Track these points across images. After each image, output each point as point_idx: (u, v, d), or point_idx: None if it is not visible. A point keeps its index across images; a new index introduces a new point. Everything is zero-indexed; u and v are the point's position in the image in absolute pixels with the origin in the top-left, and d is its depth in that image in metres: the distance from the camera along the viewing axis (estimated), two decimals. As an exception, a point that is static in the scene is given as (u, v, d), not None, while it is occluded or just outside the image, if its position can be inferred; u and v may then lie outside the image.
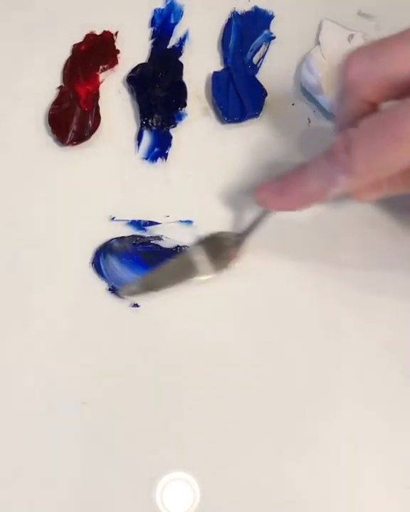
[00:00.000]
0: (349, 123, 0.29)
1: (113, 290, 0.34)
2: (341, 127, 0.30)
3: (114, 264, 0.35)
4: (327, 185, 0.29)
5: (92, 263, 0.35)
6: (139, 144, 0.38)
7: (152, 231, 0.36)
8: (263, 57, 0.40)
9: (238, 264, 0.35)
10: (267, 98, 0.38)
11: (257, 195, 0.33)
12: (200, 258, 0.35)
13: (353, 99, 0.29)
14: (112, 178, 0.37)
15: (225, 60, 0.40)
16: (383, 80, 0.28)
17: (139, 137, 0.38)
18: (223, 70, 0.39)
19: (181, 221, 0.36)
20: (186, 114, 0.38)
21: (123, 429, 0.33)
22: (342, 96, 0.29)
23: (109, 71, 0.40)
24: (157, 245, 0.36)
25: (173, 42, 0.40)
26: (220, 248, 0.35)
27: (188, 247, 0.35)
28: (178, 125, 0.38)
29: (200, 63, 0.40)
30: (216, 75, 0.39)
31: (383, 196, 0.32)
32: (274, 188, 0.32)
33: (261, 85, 0.39)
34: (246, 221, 0.35)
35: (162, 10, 0.41)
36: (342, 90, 0.29)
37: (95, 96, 0.39)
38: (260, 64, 0.40)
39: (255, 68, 0.39)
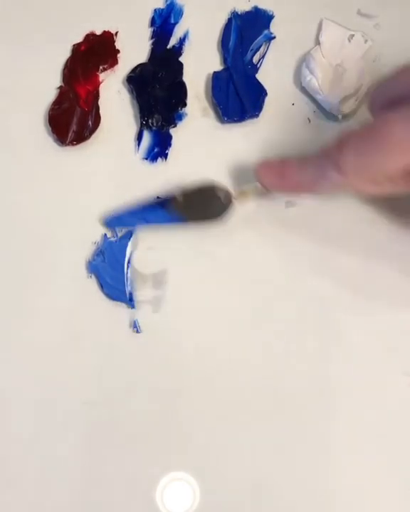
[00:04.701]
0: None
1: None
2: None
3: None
4: (320, 177, 0.31)
5: (91, 264, 0.36)
6: (139, 144, 0.38)
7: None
8: (263, 57, 0.40)
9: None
10: (267, 98, 0.38)
11: (258, 170, 0.34)
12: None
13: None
14: (112, 178, 0.37)
15: (225, 60, 0.40)
16: (387, 99, 0.30)
17: (139, 137, 0.38)
18: (223, 70, 0.39)
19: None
20: (186, 114, 0.38)
21: (123, 429, 0.33)
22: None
23: (109, 71, 0.40)
24: None
25: (173, 42, 0.40)
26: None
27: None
28: (178, 125, 0.38)
29: (200, 63, 0.39)
30: (216, 75, 0.39)
31: (385, 192, 0.32)
32: (275, 168, 0.33)
33: (261, 85, 0.39)
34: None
35: (162, 10, 0.41)
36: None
37: (95, 96, 0.39)
38: (260, 64, 0.40)
39: (255, 68, 0.39)
